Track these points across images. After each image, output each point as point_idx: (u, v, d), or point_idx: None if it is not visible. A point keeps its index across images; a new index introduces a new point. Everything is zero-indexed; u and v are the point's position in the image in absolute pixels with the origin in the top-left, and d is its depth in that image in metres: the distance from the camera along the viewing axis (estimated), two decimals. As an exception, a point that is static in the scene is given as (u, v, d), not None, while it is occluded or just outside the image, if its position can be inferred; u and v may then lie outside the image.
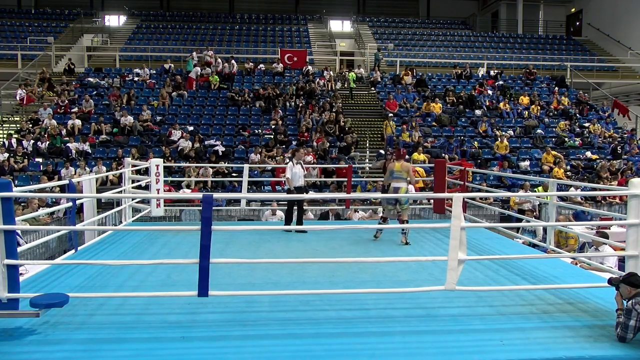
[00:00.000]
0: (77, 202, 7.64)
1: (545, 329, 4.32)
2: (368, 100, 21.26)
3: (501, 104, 20.20)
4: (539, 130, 18.68)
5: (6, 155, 14.90)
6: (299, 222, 8.76)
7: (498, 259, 6.57)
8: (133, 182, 9.09)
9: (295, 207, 8.91)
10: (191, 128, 17.30)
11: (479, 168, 14.95)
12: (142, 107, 18.00)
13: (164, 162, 10.01)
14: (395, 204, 7.75)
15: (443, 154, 15.96)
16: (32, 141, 15.66)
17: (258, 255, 6.88)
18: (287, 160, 9.63)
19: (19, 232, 6.69)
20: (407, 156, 9.11)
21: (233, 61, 21.66)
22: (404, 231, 7.65)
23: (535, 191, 12.43)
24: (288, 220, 8.90)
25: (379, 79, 22.25)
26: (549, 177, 14.77)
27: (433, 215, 11.88)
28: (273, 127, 17.59)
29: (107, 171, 13.53)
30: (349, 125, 18.20)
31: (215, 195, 4.84)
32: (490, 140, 17.82)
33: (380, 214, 8.53)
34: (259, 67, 22.58)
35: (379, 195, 7.54)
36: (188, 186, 13.97)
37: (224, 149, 16.13)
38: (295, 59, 22.23)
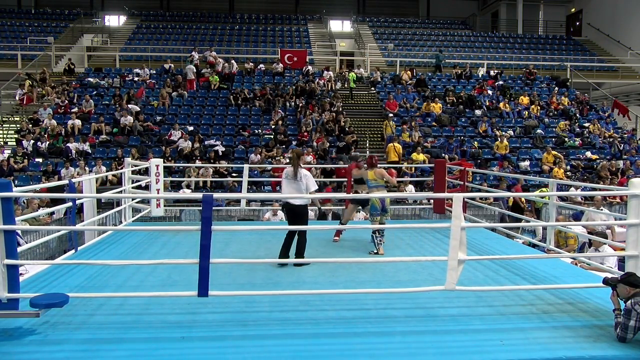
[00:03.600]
0: (77, 202, 7.64)
1: (545, 329, 4.32)
2: (368, 100, 21.26)
3: (501, 104, 20.20)
4: (539, 130, 18.68)
5: (6, 155, 14.91)
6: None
7: (498, 259, 6.56)
8: (133, 182, 9.09)
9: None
10: (191, 128, 17.30)
11: (479, 168, 14.96)
12: (126, 106, 17.99)
13: (164, 162, 10.01)
14: (381, 213, 7.26)
15: (443, 154, 15.97)
16: (32, 141, 15.66)
17: (258, 255, 6.88)
18: (290, 165, 6.61)
19: (19, 232, 6.69)
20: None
21: (233, 61, 21.67)
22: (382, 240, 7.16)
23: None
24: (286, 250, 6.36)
25: (379, 79, 22.26)
26: (549, 177, 14.77)
27: (433, 215, 11.87)
28: (273, 127, 17.59)
29: (107, 171, 13.53)
30: (349, 125, 18.20)
31: (215, 195, 4.84)
32: (490, 140, 17.82)
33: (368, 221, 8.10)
34: (259, 67, 22.59)
35: (379, 195, 7.29)
36: (188, 186, 13.97)
37: (224, 149, 16.14)
38: (295, 59, 22.24)
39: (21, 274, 5.01)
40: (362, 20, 31.50)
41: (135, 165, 9.43)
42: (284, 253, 6.26)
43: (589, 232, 8.18)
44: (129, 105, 17.88)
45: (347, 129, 17.71)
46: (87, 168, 14.30)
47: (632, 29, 27.26)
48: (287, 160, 15.28)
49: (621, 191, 6.66)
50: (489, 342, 4.08)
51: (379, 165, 7.69)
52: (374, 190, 7.22)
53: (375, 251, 7.12)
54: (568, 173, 15.80)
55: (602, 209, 10.53)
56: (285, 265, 6.18)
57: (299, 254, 6.22)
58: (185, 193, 13.22)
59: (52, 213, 10.68)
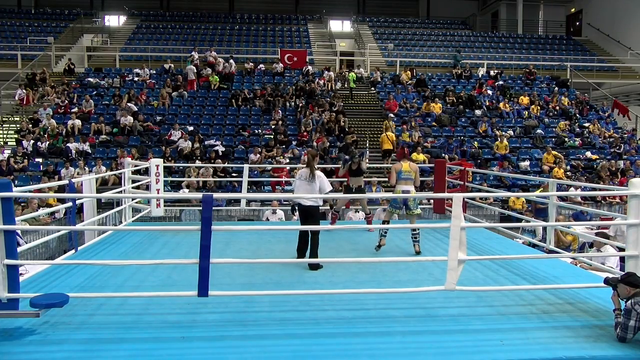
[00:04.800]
0: (77, 202, 7.64)
1: (545, 329, 4.32)
2: (368, 100, 21.26)
3: (501, 104, 20.20)
4: (539, 130, 18.68)
5: (6, 155, 14.90)
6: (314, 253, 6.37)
7: (498, 259, 6.56)
8: (133, 182, 9.09)
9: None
10: (191, 128, 17.30)
11: (479, 168, 14.96)
12: (125, 105, 17.97)
13: (164, 162, 10.01)
14: (403, 208, 7.24)
15: (443, 154, 15.97)
16: (32, 141, 15.66)
17: (258, 255, 6.88)
18: (305, 166, 6.62)
19: (19, 232, 6.69)
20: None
21: (232, 61, 21.66)
22: (417, 238, 7.07)
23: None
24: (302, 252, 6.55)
25: (379, 79, 22.27)
26: (549, 177, 14.77)
27: (433, 215, 11.87)
28: (273, 127, 17.59)
29: (107, 171, 13.53)
30: (349, 125, 18.20)
31: (215, 195, 4.84)
32: (490, 140, 17.83)
33: (378, 219, 8.03)
34: (259, 67, 22.59)
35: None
36: (188, 186, 13.96)
37: (224, 149, 16.13)
38: (295, 59, 22.24)
39: (21, 274, 5.01)
40: (362, 20, 31.49)
41: (135, 166, 9.43)
42: (301, 254, 6.45)
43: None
44: (128, 104, 17.88)
45: (347, 129, 17.71)
46: (86, 168, 14.29)
47: (632, 29, 27.25)
48: (287, 160, 15.31)
49: (621, 191, 6.65)
50: (489, 342, 4.08)
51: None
52: (402, 182, 7.13)
53: (378, 244, 7.19)
54: (568, 173, 15.80)
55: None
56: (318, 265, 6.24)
57: (313, 253, 6.28)
58: (185, 193, 13.21)
59: (53, 213, 10.68)
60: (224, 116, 18.84)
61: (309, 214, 6.38)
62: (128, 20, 30.76)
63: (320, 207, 6.56)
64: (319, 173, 6.48)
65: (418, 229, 7.08)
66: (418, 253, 7.00)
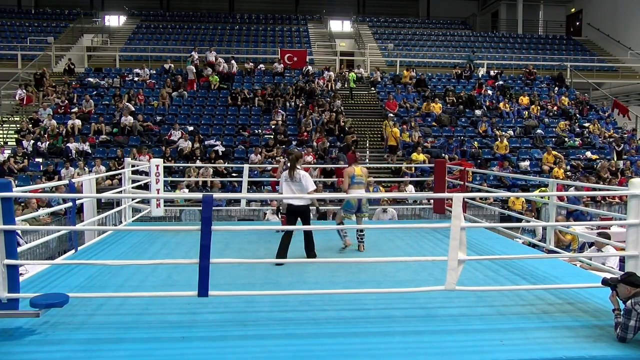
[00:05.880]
0: (77, 202, 7.64)
1: (545, 329, 4.32)
2: (368, 100, 21.26)
3: (501, 104, 20.21)
4: (539, 130, 18.69)
5: (6, 155, 14.90)
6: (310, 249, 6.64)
7: (498, 259, 6.56)
8: (133, 182, 9.09)
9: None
10: (191, 128, 17.30)
11: (479, 168, 14.96)
12: (123, 104, 17.97)
13: (164, 162, 10.01)
14: (357, 212, 7.19)
15: (443, 154, 15.97)
16: (32, 141, 15.66)
17: (258, 255, 6.88)
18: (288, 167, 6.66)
19: (19, 232, 6.69)
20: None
21: (233, 61, 21.67)
22: (362, 239, 7.18)
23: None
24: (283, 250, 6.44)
25: (379, 79, 22.27)
26: (549, 177, 14.78)
27: (433, 215, 11.87)
28: (273, 127, 17.60)
29: (106, 171, 13.53)
30: (349, 125, 18.20)
31: (215, 195, 4.84)
32: (490, 140, 17.83)
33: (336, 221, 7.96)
34: (259, 67, 22.59)
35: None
36: (188, 186, 13.96)
37: (224, 149, 16.13)
38: (295, 59, 22.25)
39: (21, 274, 5.01)
40: (362, 20, 31.50)
41: (135, 166, 9.43)
42: (283, 253, 6.30)
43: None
44: (126, 104, 17.88)
45: (347, 129, 17.70)
46: (86, 168, 14.29)
47: (632, 29, 27.26)
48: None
49: (621, 191, 6.65)
50: (489, 342, 4.08)
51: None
52: (355, 187, 7.19)
53: (344, 246, 7.20)
54: (568, 173, 15.80)
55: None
56: (282, 264, 6.17)
57: (310, 250, 6.56)
58: (185, 193, 13.21)
59: (53, 213, 10.67)
60: (224, 116, 18.85)
61: (300, 214, 6.55)
62: (128, 20, 30.77)
63: (309, 206, 6.71)
64: (302, 172, 6.55)
65: (364, 230, 7.25)
66: (361, 251, 7.12)
